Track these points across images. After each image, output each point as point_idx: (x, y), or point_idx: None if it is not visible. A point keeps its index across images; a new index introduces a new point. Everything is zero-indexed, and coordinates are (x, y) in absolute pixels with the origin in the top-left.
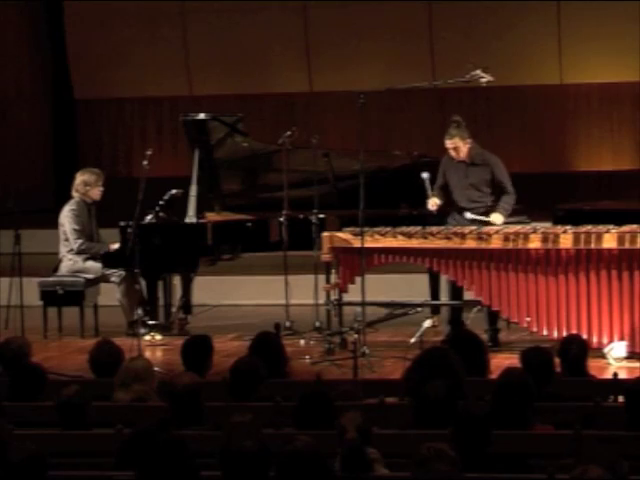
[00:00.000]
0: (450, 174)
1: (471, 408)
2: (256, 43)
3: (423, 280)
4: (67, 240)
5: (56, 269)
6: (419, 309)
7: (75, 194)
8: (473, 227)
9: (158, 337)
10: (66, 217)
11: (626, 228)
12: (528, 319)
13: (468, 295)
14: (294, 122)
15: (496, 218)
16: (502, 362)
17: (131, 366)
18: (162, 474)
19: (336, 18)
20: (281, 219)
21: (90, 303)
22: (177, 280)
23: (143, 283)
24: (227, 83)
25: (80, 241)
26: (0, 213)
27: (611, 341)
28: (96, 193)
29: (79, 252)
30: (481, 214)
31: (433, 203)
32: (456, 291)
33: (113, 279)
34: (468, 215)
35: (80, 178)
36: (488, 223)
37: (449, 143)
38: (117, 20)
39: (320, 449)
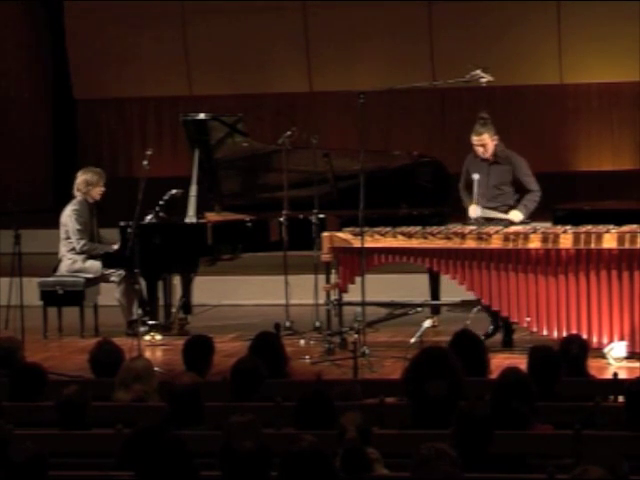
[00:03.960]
0: (473, 172)
1: (472, 408)
2: (256, 43)
3: (423, 280)
4: (68, 239)
5: (56, 269)
6: (419, 309)
7: (77, 193)
8: (474, 227)
9: (158, 337)
10: (69, 217)
11: (626, 228)
12: (528, 319)
13: (468, 295)
14: (294, 122)
15: (514, 215)
16: (502, 362)
17: (131, 366)
18: (162, 474)
19: (336, 18)
20: (281, 219)
21: (90, 303)
22: (177, 280)
23: (143, 283)
24: (227, 83)
25: (83, 241)
26: (0, 213)
27: (611, 341)
28: (97, 192)
29: (82, 252)
30: (503, 213)
31: (474, 210)
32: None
33: (113, 278)
34: (476, 212)
35: (82, 177)
36: (507, 220)
37: (477, 140)
38: (117, 20)
39: (325, 449)
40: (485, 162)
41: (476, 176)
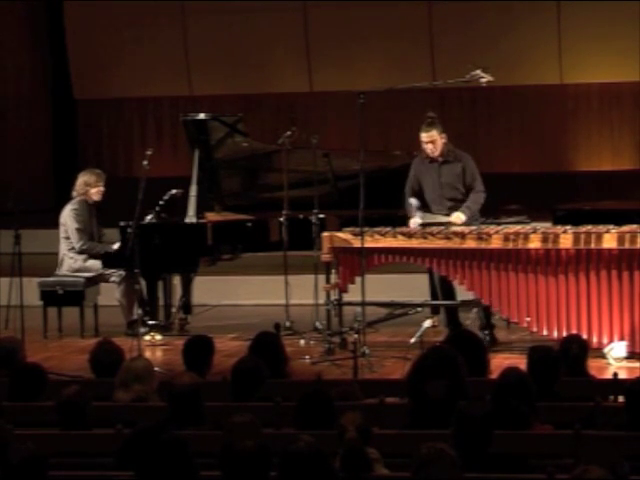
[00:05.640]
0: (423, 175)
1: (472, 408)
2: (256, 43)
3: (423, 280)
4: (68, 238)
5: (57, 268)
6: (419, 309)
7: (75, 194)
8: (473, 227)
9: (158, 337)
10: (68, 216)
11: (626, 228)
12: (528, 319)
13: (467, 295)
14: (294, 122)
15: (456, 217)
16: (502, 362)
17: (131, 366)
18: (162, 474)
19: (336, 18)
20: (281, 219)
21: (90, 303)
22: (177, 280)
23: (143, 283)
24: (227, 83)
25: (82, 241)
26: (0, 213)
27: (611, 341)
28: (94, 193)
29: (81, 252)
30: (445, 216)
31: (414, 223)
32: (447, 291)
33: (113, 278)
34: (417, 219)
35: (81, 179)
36: (449, 223)
37: (426, 137)
38: (117, 20)
39: (323, 449)
40: (435, 163)
41: (413, 201)
